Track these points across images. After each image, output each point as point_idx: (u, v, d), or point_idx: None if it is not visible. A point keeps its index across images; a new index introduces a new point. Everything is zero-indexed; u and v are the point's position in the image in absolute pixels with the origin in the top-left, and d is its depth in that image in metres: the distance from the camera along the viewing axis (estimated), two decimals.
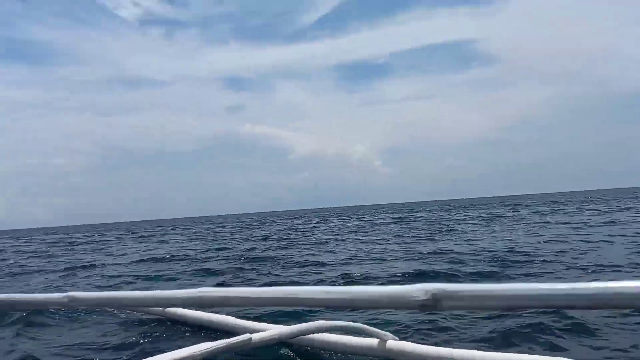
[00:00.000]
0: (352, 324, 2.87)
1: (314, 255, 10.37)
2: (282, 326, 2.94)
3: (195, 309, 3.95)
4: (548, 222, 16.59)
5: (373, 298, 0.89)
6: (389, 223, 24.33)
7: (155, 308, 4.17)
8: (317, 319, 3.06)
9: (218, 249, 13.70)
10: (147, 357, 1.32)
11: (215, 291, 1.13)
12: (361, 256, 9.55)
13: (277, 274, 7.72)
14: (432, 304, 0.82)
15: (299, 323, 2.84)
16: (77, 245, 22.71)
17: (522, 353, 2.89)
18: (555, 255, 7.83)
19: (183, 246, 16.56)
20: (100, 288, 7.53)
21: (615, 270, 6.12)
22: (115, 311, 4.94)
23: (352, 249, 11.43)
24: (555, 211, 25.12)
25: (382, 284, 6.18)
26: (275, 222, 40.27)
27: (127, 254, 14.65)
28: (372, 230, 18.83)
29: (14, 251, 20.46)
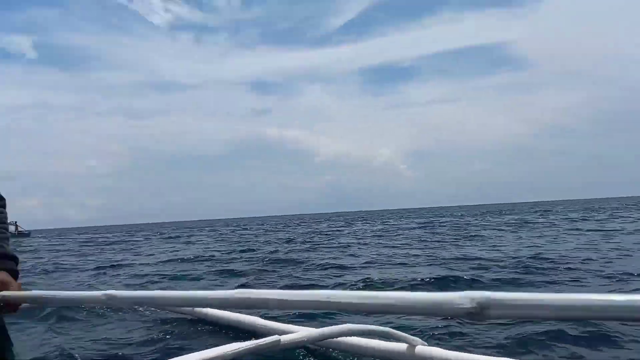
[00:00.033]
0: (380, 328, 2.81)
1: (335, 258, 10.41)
2: (310, 328, 2.92)
3: (231, 310, 3.93)
4: (578, 229, 16.16)
5: (415, 304, 0.86)
6: (414, 227, 24.14)
7: (186, 308, 4.20)
8: (343, 322, 3.00)
9: (242, 251, 13.90)
10: (176, 356, 1.36)
11: (253, 293, 1.12)
12: (383, 260, 9.54)
13: (297, 276, 7.81)
14: (478, 312, 0.79)
15: (327, 326, 2.80)
16: (107, 245, 23.41)
17: None
18: (582, 263, 7.65)
19: (208, 247, 16.88)
20: (128, 286, 7.78)
21: None
22: (149, 310, 5.02)
23: (374, 253, 11.42)
24: (586, 218, 24.43)
25: (401, 288, 6.19)
26: (300, 225, 40.47)
27: (154, 254, 15.03)
28: (396, 235, 18.73)
29: (48, 250, 21.24)
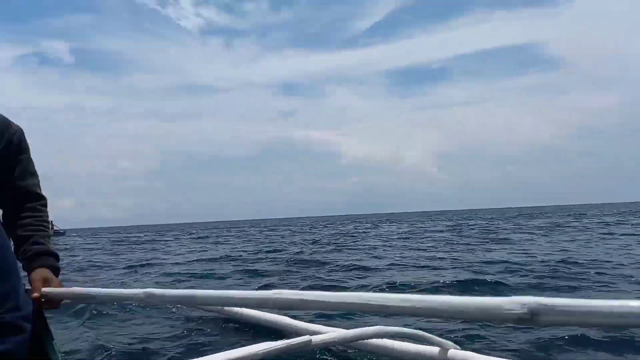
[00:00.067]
0: (412, 330, 2.73)
1: (360, 260, 10.44)
2: (341, 329, 2.90)
3: (262, 310, 3.92)
4: (612, 233, 15.66)
5: (461, 309, 0.84)
6: (441, 230, 23.86)
7: (216, 307, 4.20)
8: (375, 324, 2.91)
9: (268, 252, 14.09)
10: (209, 354, 1.37)
11: (292, 294, 1.09)
12: (408, 263, 9.51)
13: (320, 276, 7.88)
14: (529, 318, 0.75)
15: (358, 327, 2.76)
16: (138, 244, 24.08)
17: None
18: (613, 268, 7.45)
19: (235, 248, 17.16)
20: (158, 284, 8.02)
21: None
22: (181, 308, 5.10)
23: (399, 255, 11.38)
24: (621, 222, 23.61)
25: (424, 291, 6.18)
26: (327, 226, 40.55)
27: (183, 254, 15.40)
28: (422, 237, 18.58)
29: (82, 248, 22.03)
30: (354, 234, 23.83)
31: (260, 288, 6.62)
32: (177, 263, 12.01)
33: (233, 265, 10.51)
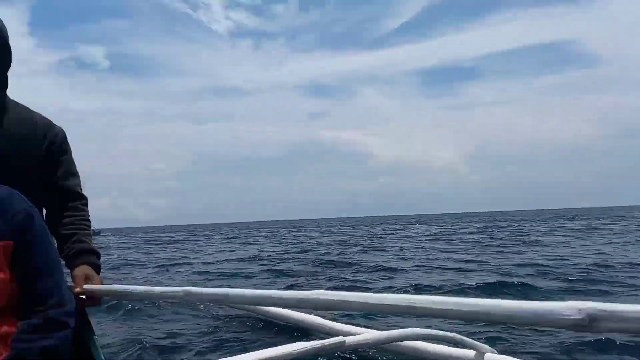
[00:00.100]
0: (447, 333, 2.67)
1: (387, 261, 10.42)
2: (375, 331, 2.88)
3: (297, 310, 3.88)
4: None
5: (511, 313, 0.80)
6: (472, 232, 23.49)
7: (247, 306, 4.17)
8: (408, 326, 2.91)
9: (295, 252, 14.24)
10: (241, 353, 1.40)
11: (332, 294, 1.08)
12: (435, 264, 9.44)
13: (345, 277, 7.93)
14: (586, 324, 0.71)
15: (392, 329, 2.72)
16: (170, 243, 24.73)
17: None
18: None
19: (264, 248, 17.40)
20: (190, 283, 8.25)
21: None
22: (216, 306, 5.15)
23: (427, 256, 11.30)
24: None
25: (450, 292, 6.14)
26: (355, 228, 40.49)
27: (213, 253, 15.74)
28: (452, 239, 18.35)
29: (117, 247, 22.79)
30: (382, 235, 23.74)
31: (286, 288, 6.72)
32: (206, 262, 12.29)
33: (260, 265, 10.68)
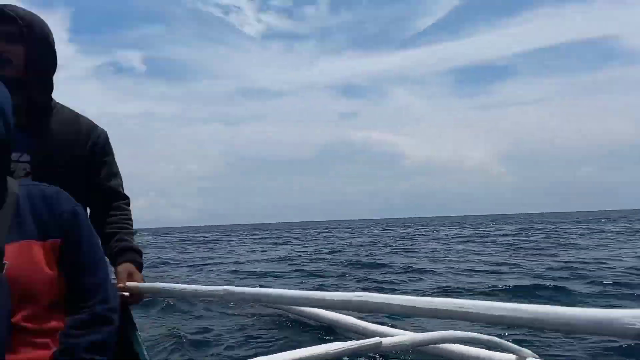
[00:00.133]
0: (486, 336, 2.56)
1: (417, 263, 10.38)
2: (412, 332, 2.77)
3: (333, 311, 3.78)
4: None
5: (572, 321, 0.76)
6: (505, 234, 23.00)
7: (286, 305, 4.08)
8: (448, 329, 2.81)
9: (325, 253, 14.35)
10: (280, 352, 1.39)
11: (376, 297, 1.04)
12: (467, 267, 9.33)
13: (374, 278, 7.96)
14: None
15: (430, 331, 2.64)
16: (204, 243, 25.31)
17: None
18: None
19: (295, 248, 17.60)
20: (223, 281, 8.47)
21: None
22: (251, 305, 5.15)
23: (459, 259, 11.18)
24: None
25: (479, 294, 6.09)
26: (387, 229, 40.27)
27: (245, 253, 16.04)
28: (485, 241, 18.04)
29: (153, 246, 23.49)
30: (413, 237, 23.57)
31: (314, 288, 6.82)
32: (238, 262, 12.55)
33: (290, 265, 10.84)
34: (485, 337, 2.56)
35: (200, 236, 39.79)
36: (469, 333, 2.60)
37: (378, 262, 10.71)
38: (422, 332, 2.61)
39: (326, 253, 14.31)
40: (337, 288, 6.93)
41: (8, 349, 0.92)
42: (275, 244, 22.16)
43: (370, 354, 2.61)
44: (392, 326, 3.61)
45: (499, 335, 2.72)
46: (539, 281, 7.01)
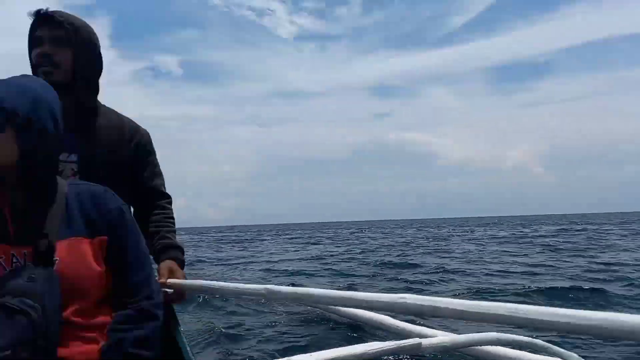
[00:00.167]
0: (532, 339, 2.46)
1: (449, 264, 10.28)
2: (452, 334, 2.74)
3: (374, 311, 3.67)
4: None
5: (635, 330, 0.70)
6: (543, 235, 22.35)
7: (330, 306, 3.97)
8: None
9: (356, 253, 14.41)
10: (319, 350, 1.36)
11: (422, 299, 1.02)
12: (501, 268, 9.17)
13: (405, 278, 7.96)
14: None
15: (471, 332, 2.54)
16: (238, 242, 25.80)
17: None
18: None
19: (327, 248, 17.72)
20: (257, 279, 8.67)
21: None
22: (290, 304, 5.10)
23: (493, 260, 10.99)
24: None
25: (509, 297, 6.02)
26: (420, 229, 39.83)
27: (278, 253, 16.29)
28: (522, 242, 17.61)
29: (190, 245, 24.10)
30: (447, 237, 23.26)
31: (345, 288, 6.89)
32: (271, 261, 12.78)
33: (321, 264, 10.97)
34: (528, 339, 2.46)
35: (235, 235, 40.55)
36: (512, 335, 2.49)
37: (409, 262, 10.68)
38: (463, 333, 2.53)
39: (357, 253, 14.35)
40: (366, 287, 6.97)
41: (59, 342, 0.95)
42: (308, 243, 22.35)
43: (410, 355, 2.57)
44: (423, 326, 3.50)
45: (542, 338, 2.60)
46: (575, 283, 6.84)
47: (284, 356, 1.18)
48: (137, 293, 1.09)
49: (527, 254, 12.25)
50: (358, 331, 4.08)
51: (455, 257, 11.87)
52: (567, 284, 6.80)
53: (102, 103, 1.61)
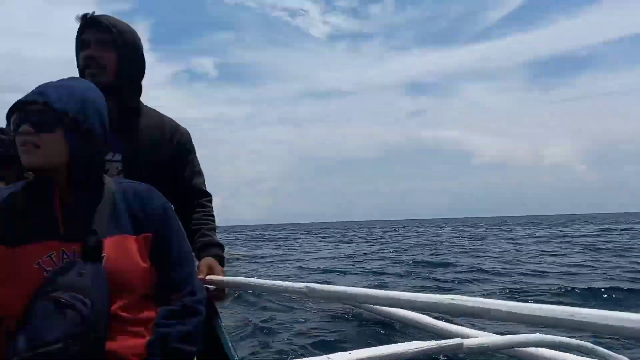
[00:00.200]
0: (579, 342, 2.31)
1: (484, 263, 10.12)
2: (494, 335, 2.54)
3: (413, 310, 3.81)
4: None
5: None
6: (585, 235, 21.58)
7: (369, 305, 3.69)
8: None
9: (389, 252, 14.39)
10: (359, 348, 1.29)
11: (471, 301, 0.98)
12: (538, 268, 8.96)
13: (436, 277, 7.91)
14: None
15: (515, 334, 2.39)
16: (272, 240, 26.19)
17: None
18: None
19: (359, 247, 17.74)
20: (291, 277, 8.80)
21: None
22: (332, 303, 5.07)
23: (530, 260, 10.74)
24: None
25: (545, 298, 5.90)
26: (455, 229, 39.16)
27: (311, 251, 16.46)
28: (561, 242, 17.09)
29: (226, 243, 24.49)
30: (484, 237, 22.82)
31: (376, 286, 6.92)
32: (304, 259, 12.93)
33: (354, 262, 11.03)
34: (576, 342, 2.30)
35: (269, 234, 41.11)
36: (558, 337, 2.32)
37: (443, 261, 10.59)
38: (506, 334, 2.44)
39: (389, 252, 14.32)
40: (397, 286, 6.97)
41: (107, 336, 0.97)
42: (341, 242, 22.44)
43: (451, 355, 2.53)
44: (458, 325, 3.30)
45: (591, 341, 2.47)
46: (615, 283, 6.63)
47: (321, 352, 1.18)
48: (180, 289, 1.10)
49: (566, 254, 11.91)
50: (388, 329, 4.06)
51: (491, 257, 11.67)
52: (606, 284, 6.60)
53: (145, 104, 1.66)
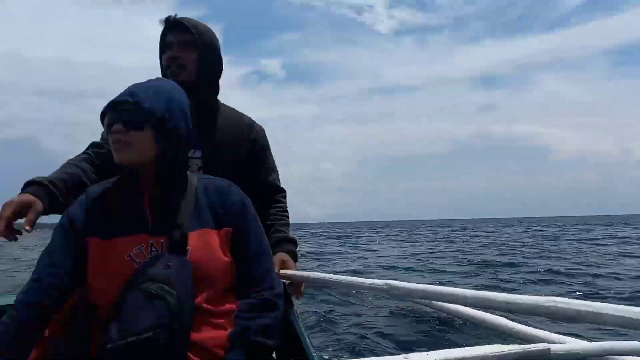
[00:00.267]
0: None
1: (555, 264, 9.67)
2: (583, 341, 2.32)
3: (494, 313, 3.48)
4: None
5: None
6: None
7: (450, 305, 3.75)
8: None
9: (453, 251, 14.20)
10: (439, 349, 1.32)
11: (571, 303, 0.93)
12: (615, 271, 8.42)
13: (500, 278, 7.73)
14: None
15: (607, 340, 2.54)
16: (337, 238, 26.53)
17: None
18: None
19: (423, 246, 17.56)
20: (357, 274, 8.99)
21: None
22: (380, 297, 5.13)
23: (609, 261, 10.10)
24: None
25: (629, 303, 5.61)
26: (528, 228, 37.26)
27: (376, 249, 16.59)
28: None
29: None
30: (558, 237, 21.64)
31: (437, 285, 6.89)
32: (367, 257, 13.07)
33: (417, 259, 11.00)
34: None
35: (334, 232, 41.54)
36: None
37: (509, 261, 10.26)
38: (597, 340, 2.10)
39: (453, 251, 14.09)
40: (458, 285, 6.90)
41: (192, 327, 1.00)
42: (405, 240, 22.28)
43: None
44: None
45: None
46: None
47: (393, 349, 1.23)
48: (260, 283, 1.12)
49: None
50: (471, 332, 3.86)
51: (564, 258, 11.11)
52: None
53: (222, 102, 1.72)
